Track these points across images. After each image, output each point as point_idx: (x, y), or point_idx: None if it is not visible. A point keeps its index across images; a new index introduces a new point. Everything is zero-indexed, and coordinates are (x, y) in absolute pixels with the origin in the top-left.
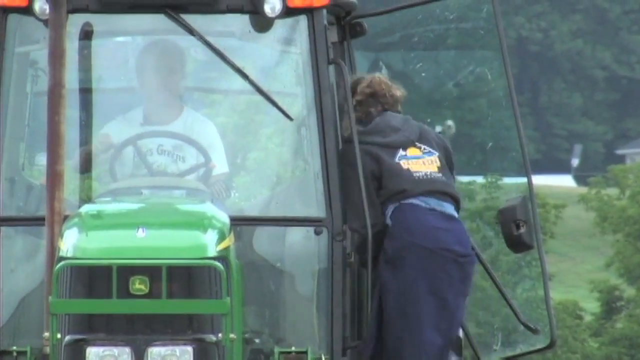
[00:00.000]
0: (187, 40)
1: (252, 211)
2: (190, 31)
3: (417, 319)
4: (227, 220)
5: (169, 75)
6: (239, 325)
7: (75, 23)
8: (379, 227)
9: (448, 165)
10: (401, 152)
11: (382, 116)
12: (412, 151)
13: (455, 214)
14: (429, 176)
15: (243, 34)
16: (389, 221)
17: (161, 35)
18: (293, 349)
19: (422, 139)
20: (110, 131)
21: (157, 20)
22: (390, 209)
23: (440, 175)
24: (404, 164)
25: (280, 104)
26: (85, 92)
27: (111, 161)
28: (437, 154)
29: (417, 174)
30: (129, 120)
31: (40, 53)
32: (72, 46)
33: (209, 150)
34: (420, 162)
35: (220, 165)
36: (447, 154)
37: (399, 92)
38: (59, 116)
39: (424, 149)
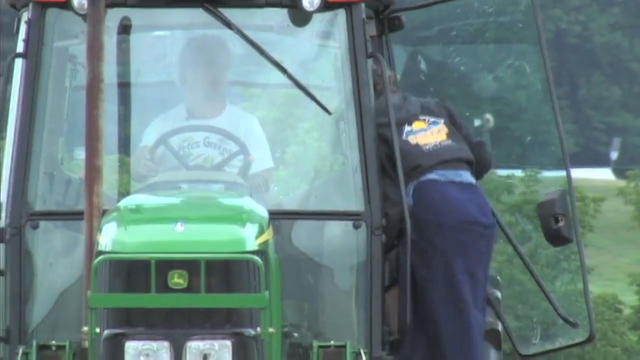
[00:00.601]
0: (225, 35)
1: (291, 205)
2: (229, 25)
3: (461, 302)
4: (265, 214)
5: (213, 70)
6: (277, 319)
7: (113, 17)
8: (401, 206)
9: (455, 127)
10: (407, 128)
11: (379, 98)
12: (417, 125)
13: (473, 181)
14: (439, 146)
15: (281, 28)
16: (410, 200)
17: (200, 30)
18: (332, 343)
19: (424, 111)
20: (152, 131)
21: (195, 15)
22: (410, 188)
23: (449, 142)
24: (412, 139)
25: (318, 98)
26: (124, 86)
27: (152, 151)
28: (442, 121)
29: (427, 147)
30: (172, 118)
31: (79, 47)
32: (110, 40)
33: (253, 145)
34: (428, 134)
35: (265, 160)
36: (452, 116)
37: (388, 72)
38: (98, 110)
39: (428, 120)
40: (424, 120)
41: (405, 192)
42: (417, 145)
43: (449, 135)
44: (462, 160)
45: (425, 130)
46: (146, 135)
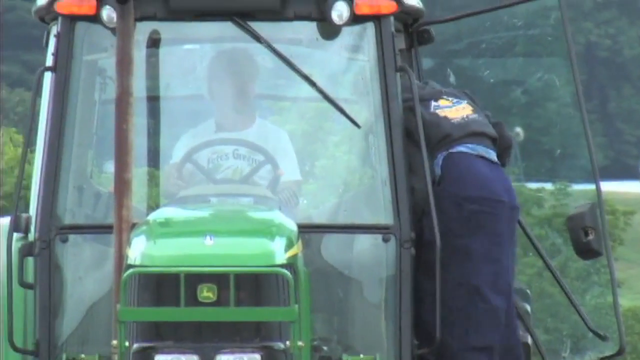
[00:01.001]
0: (254, 48)
1: (320, 218)
2: (258, 38)
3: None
4: (295, 228)
5: (241, 83)
6: (307, 333)
7: (142, 31)
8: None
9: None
10: (434, 103)
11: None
12: (442, 102)
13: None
14: (466, 119)
15: (310, 41)
16: (438, 171)
17: (229, 43)
18: (361, 356)
19: (446, 92)
20: (181, 146)
21: (225, 28)
22: (439, 159)
23: (476, 115)
24: (440, 112)
25: (347, 111)
26: (153, 100)
27: (180, 169)
28: (465, 100)
29: (455, 120)
30: (200, 133)
31: (108, 61)
32: (139, 54)
33: (282, 157)
34: (454, 110)
35: (293, 173)
36: (472, 99)
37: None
38: (127, 124)
39: (452, 99)
40: (448, 99)
41: (435, 163)
42: (445, 118)
43: (473, 111)
44: (489, 137)
45: (450, 106)
46: (175, 152)
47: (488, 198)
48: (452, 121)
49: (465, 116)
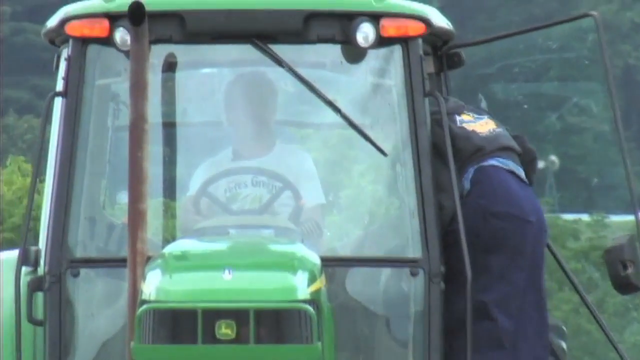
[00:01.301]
0: (274, 72)
1: (345, 251)
2: (279, 62)
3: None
4: (318, 261)
5: (259, 108)
6: None
7: (158, 54)
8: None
9: None
10: (458, 117)
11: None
12: (465, 117)
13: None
14: (493, 133)
15: (334, 65)
16: (467, 185)
17: (249, 67)
18: None
19: (466, 107)
20: (199, 178)
21: (244, 51)
22: (470, 172)
23: (501, 130)
24: (468, 127)
25: (373, 138)
26: (169, 126)
27: (196, 200)
28: (486, 116)
29: (482, 134)
30: (217, 163)
31: (122, 86)
32: (154, 78)
33: (304, 180)
34: (478, 125)
35: (317, 196)
36: (491, 115)
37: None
38: (142, 152)
39: (473, 114)
40: (469, 114)
41: (464, 177)
42: (474, 131)
43: (497, 125)
44: (516, 152)
45: (474, 121)
46: (193, 182)
47: (516, 216)
48: (481, 135)
49: (492, 130)
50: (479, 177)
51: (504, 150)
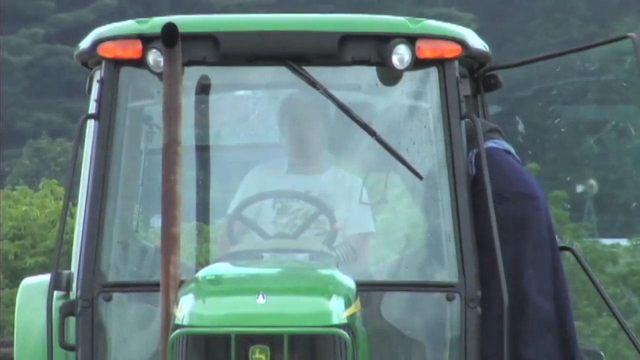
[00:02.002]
0: (310, 94)
1: (380, 276)
2: (314, 84)
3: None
4: (353, 286)
5: (319, 127)
6: None
7: (191, 76)
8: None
9: None
10: None
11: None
12: None
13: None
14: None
15: (369, 87)
16: (473, 170)
17: (283, 89)
18: None
19: None
20: (253, 180)
21: (279, 73)
22: (471, 157)
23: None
24: None
25: (409, 161)
26: (203, 149)
27: (229, 225)
28: None
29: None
30: (271, 169)
31: (155, 108)
32: (188, 101)
33: (354, 206)
34: None
35: (366, 225)
36: None
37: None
38: (175, 175)
39: None
40: None
41: (467, 162)
42: None
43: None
44: (500, 132)
45: None
46: (242, 188)
47: (527, 195)
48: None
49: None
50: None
51: (493, 131)
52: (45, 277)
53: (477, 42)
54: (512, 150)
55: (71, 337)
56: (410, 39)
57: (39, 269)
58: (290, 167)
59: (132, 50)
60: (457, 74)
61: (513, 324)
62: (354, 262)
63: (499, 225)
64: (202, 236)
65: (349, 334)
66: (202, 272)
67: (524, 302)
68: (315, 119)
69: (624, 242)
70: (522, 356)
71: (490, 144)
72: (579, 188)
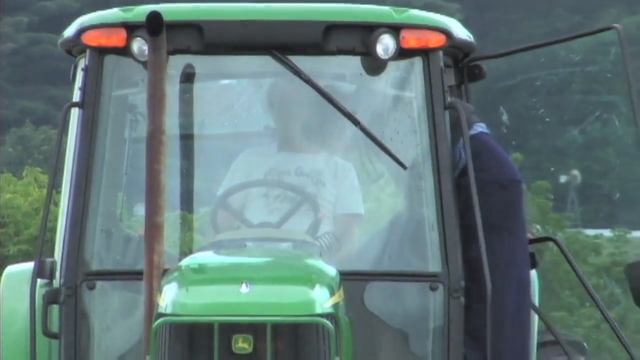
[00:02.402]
0: (294, 83)
1: (364, 265)
2: (298, 74)
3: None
4: (336, 275)
5: (311, 110)
6: None
7: (176, 65)
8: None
9: None
10: None
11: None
12: None
13: None
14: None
15: (354, 76)
16: (462, 155)
17: (268, 78)
18: None
19: None
20: (242, 164)
21: (263, 62)
22: (461, 141)
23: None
24: None
25: (393, 151)
26: (187, 138)
27: (213, 213)
28: None
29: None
30: (262, 152)
31: (139, 97)
32: (172, 89)
33: (347, 189)
34: None
35: (355, 207)
36: None
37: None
38: (159, 164)
39: None
40: None
41: (458, 147)
42: None
43: None
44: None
45: None
46: (230, 173)
47: (514, 179)
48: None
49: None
50: (476, 147)
51: (473, 113)
52: (29, 265)
53: (461, 32)
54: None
55: (54, 325)
56: (395, 29)
57: (22, 257)
58: (280, 148)
59: (117, 38)
60: (442, 64)
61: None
62: (338, 251)
63: (500, 212)
64: (186, 225)
65: (332, 323)
66: (186, 261)
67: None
68: (304, 104)
69: (607, 232)
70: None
71: (479, 128)
72: (563, 178)
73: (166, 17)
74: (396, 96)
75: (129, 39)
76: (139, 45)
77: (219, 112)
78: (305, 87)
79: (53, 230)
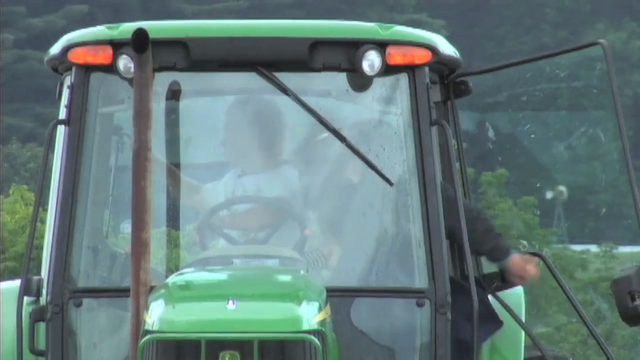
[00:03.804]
0: (280, 100)
1: (350, 282)
2: (284, 90)
3: None
4: (323, 291)
5: (264, 131)
6: None
7: (161, 82)
8: None
9: None
10: None
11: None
12: None
13: None
14: None
15: (340, 93)
16: None
17: (254, 95)
18: None
19: None
20: (206, 195)
21: (249, 79)
22: None
23: None
24: None
25: (379, 167)
26: (173, 155)
27: (199, 229)
28: None
29: None
30: (224, 184)
31: (125, 114)
32: (158, 106)
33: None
34: None
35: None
36: None
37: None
38: (145, 181)
39: None
40: None
41: None
42: None
43: None
44: None
45: None
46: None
47: None
48: None
49: None
50: None
51: None
52: (15, 283)
53: (447, 48)
54: None
55: (41, 343)
56: (381, 45)
57: (9, 274)
58: (239, 173)
59: (103, 55)
60: (428, 80)
61: None
62: (324, 267)
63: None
64: (172, 242)
65: (319, 339)
66: (172, 278)
67: None
68: (266, 121)
69: (593, 248)
70: None
71: None
72: (549, 194)
73: (152, 34)
74: (382, 112)
75: (115, 56)
76: (124, 63)
77: (205, 128)
78: (266, 105)
79: (39, 248)
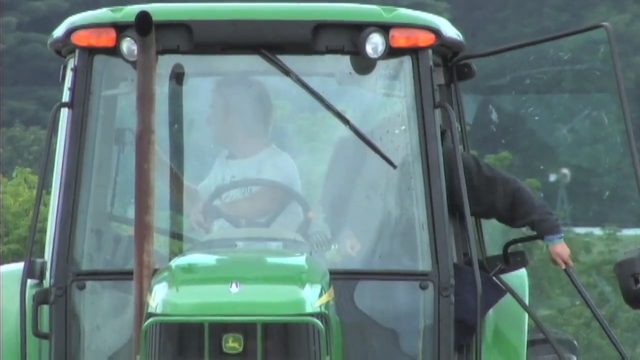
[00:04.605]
0: (283, 82)
1: (354, 264)
2: (287, 73)
3: None
4: (326, 274)
5: (268, 114)
6: None
7: (165, 65)
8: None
9: None
10: None
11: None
12: None
13: None
14: None
15: (343, 76)
16: None
17: (257, 77)
18: None
19: None
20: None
21: (253, 62)
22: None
23: None
24: None
25: (383, 150)
26: (176, 138)
27: (203, 212)
28: None
29: None
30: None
31: (128, 96)
32: (161, 89)
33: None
34: None
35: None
36: None
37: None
38: (148, 164)
39: None
40: None
41: None
42: None
43: None
44: None
45: None
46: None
47: None
48: None
49: None
50: None
51: None
52: (19, 266)
53: (450, 31)
54: None
55: (45, 326)
56: (384, 28)
57: (12, 257)
58: (228, 156)
59: (106, 38)
60: (431, 63)
61: None
62: (328, 250)
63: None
64: (176, 225)
65: (322, 322)
66: (176, 261)
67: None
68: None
69: (597, 231)
70: None
71: None
72: (552, 177)
73: (155, 17)
74: (385, 95)
75: (118, 39)
76: (128, 45)
77: (207, 111)
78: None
79: (43, 230)
